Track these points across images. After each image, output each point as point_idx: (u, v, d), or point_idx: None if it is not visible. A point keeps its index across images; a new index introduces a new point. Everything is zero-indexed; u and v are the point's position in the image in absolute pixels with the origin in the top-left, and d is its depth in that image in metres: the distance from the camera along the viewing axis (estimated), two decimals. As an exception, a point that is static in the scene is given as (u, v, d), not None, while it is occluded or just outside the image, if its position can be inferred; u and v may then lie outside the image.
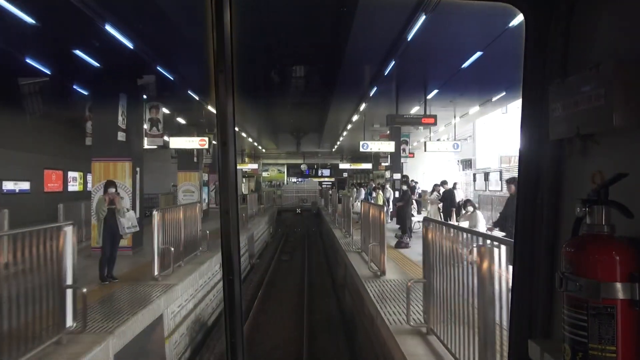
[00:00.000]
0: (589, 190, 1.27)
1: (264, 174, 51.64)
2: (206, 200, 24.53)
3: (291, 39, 14.02)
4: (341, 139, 28.77)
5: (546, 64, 1.59)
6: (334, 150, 36.94)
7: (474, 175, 32.18)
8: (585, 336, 1.20)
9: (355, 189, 29.99)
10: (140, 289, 8.21)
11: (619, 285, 1.17)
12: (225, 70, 1.53)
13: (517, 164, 1.72)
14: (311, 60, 16.33)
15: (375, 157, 39.47)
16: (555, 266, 1.50)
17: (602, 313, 1.18)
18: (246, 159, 40.83)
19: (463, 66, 11.83)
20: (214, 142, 28.33)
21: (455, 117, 19.90)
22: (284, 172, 52.79)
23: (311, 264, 18.41)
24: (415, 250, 12.59)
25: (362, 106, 17.37)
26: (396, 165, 23.28)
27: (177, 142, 18.35)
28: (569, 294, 1.24)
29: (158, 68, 12.15)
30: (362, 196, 22.25)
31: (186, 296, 9.40)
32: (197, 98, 16.36)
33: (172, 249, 8.83)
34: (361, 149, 19.83)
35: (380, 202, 19.09)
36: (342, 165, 40.48)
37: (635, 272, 1.17)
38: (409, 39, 9.62)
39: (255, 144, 32.33)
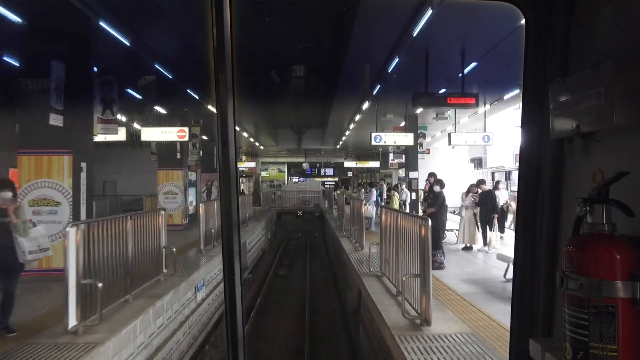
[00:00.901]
0: (590, 189, 1.28)
1: (263, 174, 48.45)
2: (194, 204, 21.43)
3: (292, 18, 11.84)
4: (347, 133, 25.57)
5: (546, 63, 1.60)
6: (338, 147, 33.72)
7: (493, 174, 29.67)
8: (587, 335, 1.20)
9: (363, 190, 26.88)
10: (40, 354, 5.08)
11: (620, 284, 1.17)
12: (226, 70, 1.52)
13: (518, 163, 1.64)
14: (314, 38, 13.48)
15: (383, 155, 36.58)
16: (556, 265, 1.50)
17: (603, 312, 1.18)
18: (243, 157, 37.76)
19: (520, 23, 8.63)
20: (203, 137, 25.52)
21: (485, 104, 16.68)
22: (284, 172, 49.59)
23: (314, 280, 15.30)
24: (452, 272, 9.46)
25: (376, 89, 14.16)
26: (413, 162, 20.20)
27: (150, 134, 15.19)
28: (570, 293, 1.24)
29: (108, 28, 8.99)
30: (374, 197, 19.15)
31: (129, 351, 6.28)
32: (174, 78, 13.24)
33: (100, 284, 5.68)
34: (373, 142, 16.76)
35: (396, 206, 15.99)
36: (348, 164, 37.36)
37: (637, 270, 1.17)
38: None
39: (252, 139, 29.18)
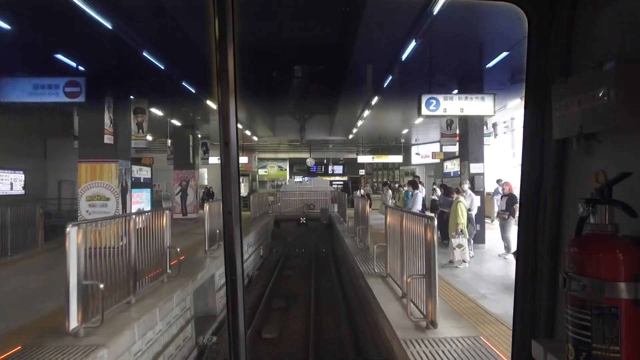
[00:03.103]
0: (593, 190, 1.31)
1: (261, 172, 41.76)
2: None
3: None
4: (366, 113, 18.85)
5: (549, 63, 1.64)
6: (351, 136, 27.04)
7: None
8: (589, 336, 1.22)
9: (390, 192, 20.17)
10: None
11: (622, 285, 1.19)
12: (227, 69, 1.55)
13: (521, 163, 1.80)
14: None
15: (405, 147, 29.89)
16: (559, 266, 1.54)
17: (606, 313, 1.20)
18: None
19: None
20: (175, 121, 19.24)
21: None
22: (286, 169, 42.84)
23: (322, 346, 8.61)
24: None
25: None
26: (476, 150, 13.41)
27: (14, 91, 8.35)
28: (573, 294, 1.26)
29: None
30: (419, 205, 12.49)
31: None
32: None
33: None
34: (424, 111, 10.14)
35: (463, 220, 9.31)
36: (362, 159, 30.58)
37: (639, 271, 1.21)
38: None
39: (240, 126, 22.51)
